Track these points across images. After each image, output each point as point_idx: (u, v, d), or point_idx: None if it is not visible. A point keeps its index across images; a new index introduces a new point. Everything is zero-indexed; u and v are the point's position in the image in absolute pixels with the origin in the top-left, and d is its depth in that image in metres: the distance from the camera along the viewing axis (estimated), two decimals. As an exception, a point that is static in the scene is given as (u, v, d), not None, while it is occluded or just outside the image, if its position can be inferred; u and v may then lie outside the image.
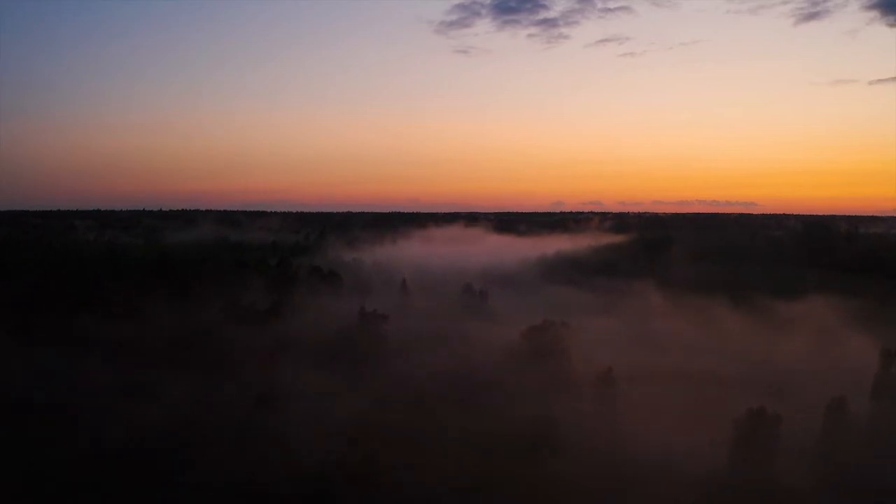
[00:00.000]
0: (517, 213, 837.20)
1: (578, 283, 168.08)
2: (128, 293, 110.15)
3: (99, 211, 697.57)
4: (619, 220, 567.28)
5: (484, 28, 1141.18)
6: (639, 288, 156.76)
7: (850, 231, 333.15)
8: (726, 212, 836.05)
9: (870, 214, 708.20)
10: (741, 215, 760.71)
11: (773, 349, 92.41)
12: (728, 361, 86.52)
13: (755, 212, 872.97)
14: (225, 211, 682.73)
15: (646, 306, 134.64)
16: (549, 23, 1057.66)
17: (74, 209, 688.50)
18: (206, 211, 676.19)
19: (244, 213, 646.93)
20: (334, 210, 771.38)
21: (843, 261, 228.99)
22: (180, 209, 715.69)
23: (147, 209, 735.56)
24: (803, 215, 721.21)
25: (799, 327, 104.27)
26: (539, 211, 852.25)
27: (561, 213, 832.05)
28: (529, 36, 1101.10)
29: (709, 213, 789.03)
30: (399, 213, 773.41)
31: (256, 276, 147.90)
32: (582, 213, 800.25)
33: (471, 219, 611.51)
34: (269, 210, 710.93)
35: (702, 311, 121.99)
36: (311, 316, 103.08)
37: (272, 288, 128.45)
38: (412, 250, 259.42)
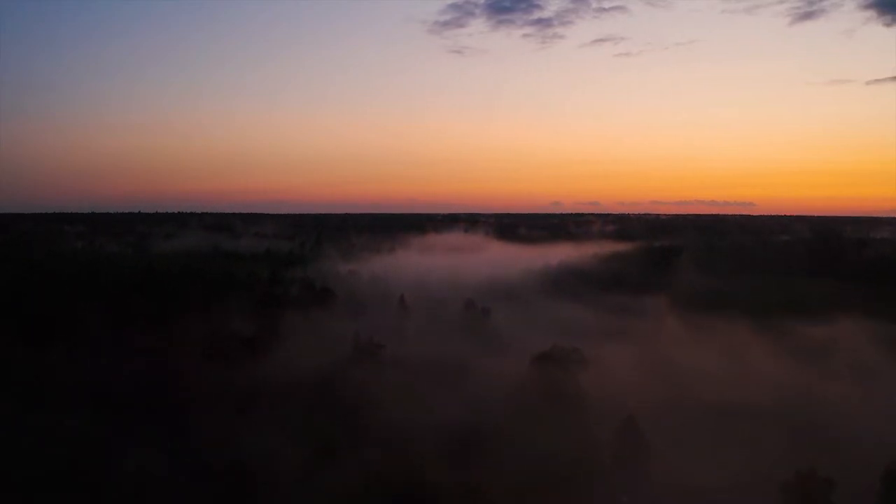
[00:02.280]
0: (516, 213, 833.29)
1: (585, 298, 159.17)
2: (100, 320, 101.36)
3: (94, 214, 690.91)
4: (620, 224, 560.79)
5: (478, 28, 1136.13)
6: (649, 305, 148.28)
7: (862, 237, 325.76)
8: (725, 212, 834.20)
9: (868, 215, 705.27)
10: (742, 216, 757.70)
11: (807, 385, 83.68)
12: (761, 400, 77.77)
13: (753, 212, 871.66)
14: (221, 214, 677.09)
15: (659, 328, 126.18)
16: (544, 23, 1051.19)
17: (69, 212, 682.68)
18: (202, 214, 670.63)
19: (240, 216, 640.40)
20: (332, 211, 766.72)
21: (857, 269, 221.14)
22: (176, 212, 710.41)
23: (142, 212, 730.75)
24: (804, 216, 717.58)
25: (832, 357, 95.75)
26: (538, 212, 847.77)
27: (560, 213, 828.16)
28: (524, 36, 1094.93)
29: (709, 215, 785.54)
30: (397, 214, 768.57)
31: (244, 294, 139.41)
32: (581, 214, 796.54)
33: (470, 220, 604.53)
34: (267, 211, 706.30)
35: (722, 335, 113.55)
36: (299, 347, 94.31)
37: (260, 310, 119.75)
38: (410, 260, 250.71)
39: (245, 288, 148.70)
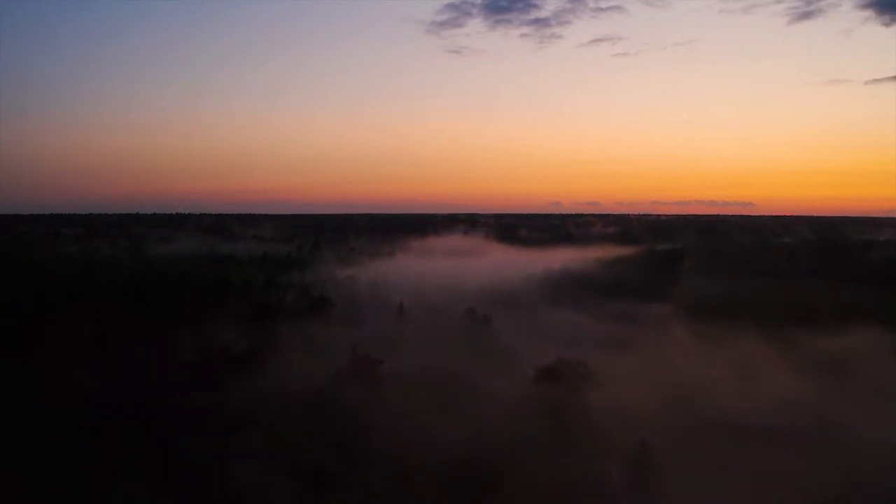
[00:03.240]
0: (516, 214, 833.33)
1: (588, 305, 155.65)
2: (85, 330, 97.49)
3: (92, 215, 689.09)
4: (620, 224, 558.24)
5: (476, 28, 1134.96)
6: (654, 312, 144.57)
7: (866, 239, 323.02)
8: (725, 212, 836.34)
9: (867, 215, 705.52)
10: (742, 217, 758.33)
11: (827, 403, 79.87)
12: (781, 420, 73.98)
13: (753, 212, 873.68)
14: (220, 215, 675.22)
15: (665, 338, 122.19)
16: (542, 22, 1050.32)
17: (67, 213, 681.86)
18: (200, 215, 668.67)
19: (238, 217, 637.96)
20: (331, 212, 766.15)
21: (861, 271, 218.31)
22: (175, 213, 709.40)
23: (141, 213, 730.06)
24: (804, 216, 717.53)
25: (850, 370, 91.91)
26: (538, 212, 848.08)
27: (560, 214, 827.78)
28: (522, 36, 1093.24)
29: (709, 215, 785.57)
30: (396, 214, 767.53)
31: (239, 301, 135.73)
32: (581, 214, 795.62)
33: (469, 220, 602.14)
34: (267, 212, 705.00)
35: (732, 346, 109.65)
36: (294, 362, 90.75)
37: (254, 320, 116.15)
38: (410, 264, 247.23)
39: (240, 294, 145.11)
